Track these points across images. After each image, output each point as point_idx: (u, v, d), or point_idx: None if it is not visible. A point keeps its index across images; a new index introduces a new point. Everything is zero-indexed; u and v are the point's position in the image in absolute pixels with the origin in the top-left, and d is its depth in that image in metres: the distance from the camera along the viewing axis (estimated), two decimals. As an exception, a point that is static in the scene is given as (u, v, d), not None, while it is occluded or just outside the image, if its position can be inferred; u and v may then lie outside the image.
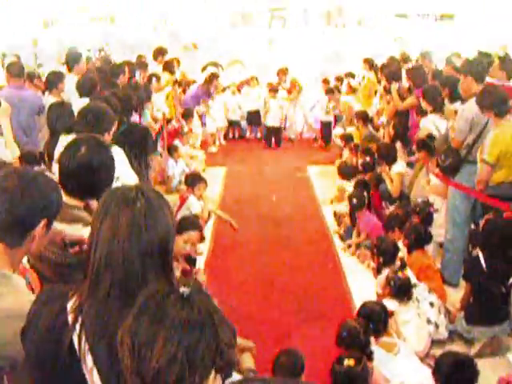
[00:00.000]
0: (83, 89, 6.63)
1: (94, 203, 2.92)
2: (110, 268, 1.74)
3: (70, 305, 1.77)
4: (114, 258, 1.74)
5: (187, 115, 10.74)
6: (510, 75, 6.51)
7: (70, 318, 1.74)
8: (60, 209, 2.32)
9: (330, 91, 12.11)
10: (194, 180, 7.02)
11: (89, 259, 1.79)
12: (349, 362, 3.48)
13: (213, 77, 12.07)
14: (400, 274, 5.04)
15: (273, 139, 12.70)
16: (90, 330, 1.71)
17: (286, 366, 3.73)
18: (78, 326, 1.72)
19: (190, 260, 5.02)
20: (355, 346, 4.17)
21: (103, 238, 1.75)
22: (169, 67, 10.26)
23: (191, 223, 4.79)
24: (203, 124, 12.42)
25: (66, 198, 2.67)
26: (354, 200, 7.10)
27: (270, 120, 12.54)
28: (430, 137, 6.88)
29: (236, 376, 2.11)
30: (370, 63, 11.47)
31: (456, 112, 6.22)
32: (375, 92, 10.88)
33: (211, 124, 12.64)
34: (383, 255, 5.47)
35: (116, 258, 1.74)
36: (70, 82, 7.20)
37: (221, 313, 1.50)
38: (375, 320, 4.49)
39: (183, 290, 1.46)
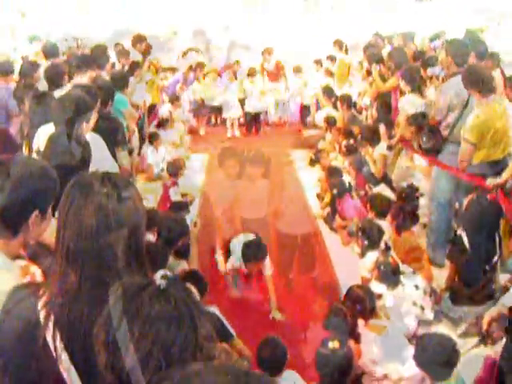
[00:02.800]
0: (49, 78, 6.50)
1: None
2: (78, 260, 1.66)
3: (41, 302, 1.69)
4: (81, 248, 1.65)
5: (173, 100, 10.75)
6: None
7: (42, 316, 1.66)
8: (53, 198, 2.18)
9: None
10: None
11: (56, 252, 1.71)
12: (333, 345, 3.45)
13: (198, 66, 12.13)
14: (390, 259, 5.04)
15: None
16: (63, 328, 1.64)
17: (268, 358, 3.73)
18: (50, 324, 1.64)
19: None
20: (343, 328, 4.16)
21: (69, 228, 1.66)
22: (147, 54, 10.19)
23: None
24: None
25: None
26: (335, 190, 7.06)
27: (250, 106, 12.40)
28: (423, 115, 6.83)
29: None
30: (339, 44, 11.49)
31: (433, 77, 6.21)
32: (348, 72, 10.99)
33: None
34: (368, 238, 5.45)
35: (83, 248, 1.65)
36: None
37: (201, 306, 1.44)
38: (362, 303, 4.48)
39: (160, 282, 1.40)
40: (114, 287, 1.45)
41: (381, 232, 5.54)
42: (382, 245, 5.40)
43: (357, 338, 4.25)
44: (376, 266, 5.02)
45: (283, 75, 12.90)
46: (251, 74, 12.30)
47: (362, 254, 5.51)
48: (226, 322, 4.10)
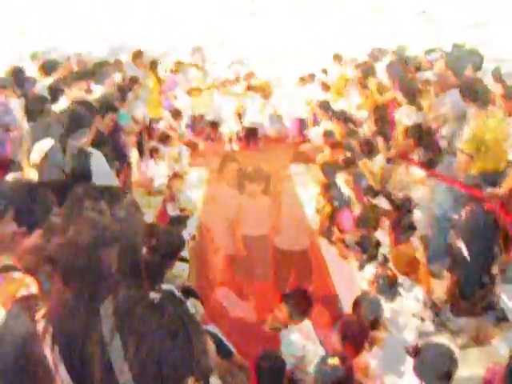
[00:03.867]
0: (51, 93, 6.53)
1: None
2: (75, 272, 1.65)
3: (38, 315, 1.69)
4: (79, 260, 1.65)
5: (176, 114, 10.86)
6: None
7: (40, 329, 1.65)
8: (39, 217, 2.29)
9: None
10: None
11: (56, 264, 1.71)
12: (333, 361, 3.44)
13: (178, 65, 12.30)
14: (389, 272, 5.04)
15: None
16: (61, 340, 1.62)
17: (267, 370, 3.72)
18: (48, 337, 1.64)
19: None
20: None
21: (68, 240, 1.66)
22: (153, 67, 10.37)
23: None
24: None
25: None
26: (336, 202, 7.06)
27: (247, 120, 12.40)
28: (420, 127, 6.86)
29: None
30: (339, 59, 11.54)
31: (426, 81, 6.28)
32: (345, 86, 11.05)
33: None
34: (365, 251, 5.46)
35: (81, 260, 1.64)
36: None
37: (195, 319, 1.43)
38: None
39: (154, 295, 1.40)
40: (107, 302, 1.44)
41: (378, 244, 5.55)
42: (381, 258, 5.41)
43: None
44: (375, 279, 5.02)
45: (269, 95, 12.83)
46: (249, 87, 12.34)
47: (361, 267, 5.52)
48: (224, 339, 4.08)
